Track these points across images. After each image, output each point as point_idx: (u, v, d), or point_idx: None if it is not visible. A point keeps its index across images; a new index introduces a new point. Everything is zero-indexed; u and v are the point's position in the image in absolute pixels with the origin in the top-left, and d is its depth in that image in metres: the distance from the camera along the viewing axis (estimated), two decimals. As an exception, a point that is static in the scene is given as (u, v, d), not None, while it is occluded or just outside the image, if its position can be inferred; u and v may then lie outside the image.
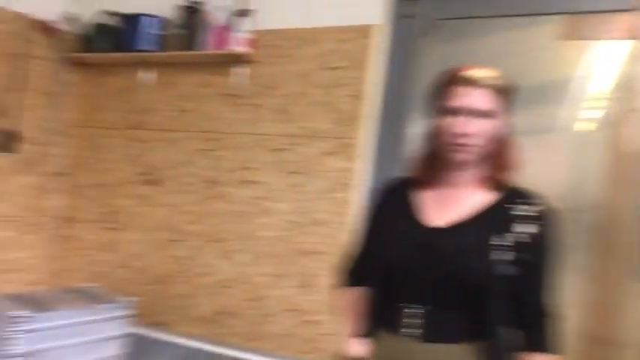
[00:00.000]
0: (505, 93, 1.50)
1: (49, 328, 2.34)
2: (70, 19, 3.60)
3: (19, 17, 3.31)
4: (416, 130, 2.75)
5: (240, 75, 3.16)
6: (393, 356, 1.52)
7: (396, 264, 1.54)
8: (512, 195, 1.53)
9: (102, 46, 3.47)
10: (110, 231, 3.44)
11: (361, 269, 1.73)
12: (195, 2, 3.24)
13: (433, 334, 1.47)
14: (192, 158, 3.24)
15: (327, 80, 2.93)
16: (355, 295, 1.71)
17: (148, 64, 3.42)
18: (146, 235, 3.31)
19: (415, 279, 1.50)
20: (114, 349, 2.54)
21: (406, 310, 1.50)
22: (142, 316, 3.08)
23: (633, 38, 2.36)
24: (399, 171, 2.76)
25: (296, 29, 3.04)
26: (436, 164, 1.57)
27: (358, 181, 2.78)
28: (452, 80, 1.51)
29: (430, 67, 2.78)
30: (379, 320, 1.58)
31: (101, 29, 3.50)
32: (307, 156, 2.93)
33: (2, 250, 3.29)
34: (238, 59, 3.12)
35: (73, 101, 3.68)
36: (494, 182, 1.54)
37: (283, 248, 2.91)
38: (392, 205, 1.66)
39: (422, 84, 2.80)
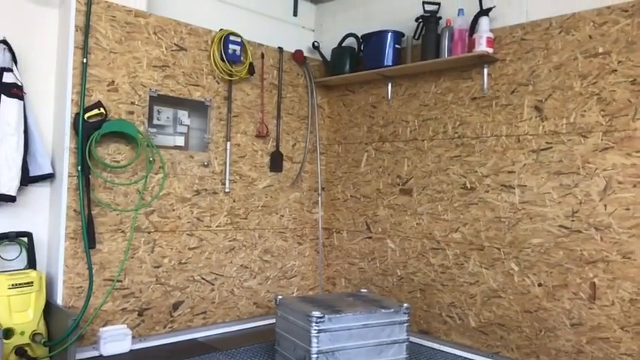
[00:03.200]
0: None
1: (342, 329, 2.59)
2: (315, 47, 3.94)
3: (276, 52, 3.73)
4: None
5: (486, 76, 3.06)
6: None
7: None
8: None
9: (344, 68, 3.70)
10: (371, 240, 3.67)
11: None
12: (431, 11, 3.23)
13: None
14: (443, 166, 3.25)
15: (591, 69, 2.66)
16: None
17: (388, 79, 3.55)
18: (406, 244, 3.44)
19: None
20: (396, 353, 2.68)
21: None
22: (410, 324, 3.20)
23: None
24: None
25: (544, 20, 2.83)
26: None
27: (646, 178, 2.47)
28: None
29: None
30: None
31: (342, 52, 3.74)
32: (574, 154, 2.70)
33: (281, 258, 3.76)
34: (483, 61, 3.03)
35: (323, 121, 4.02)
36: None
37: (559, 256, 2.73)
38: None
39: None
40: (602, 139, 2.61)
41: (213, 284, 3.37)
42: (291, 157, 3.84)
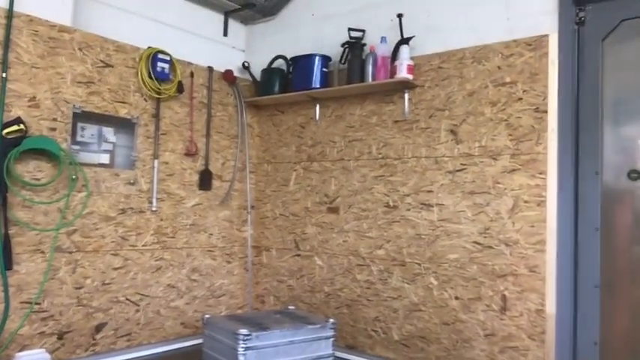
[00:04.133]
0: None
1: (269, 346, 2.62)
2: (246, 67, 4.00)
3: (206, 71, 3.76)
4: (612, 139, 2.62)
5: (407, 101, 3.24)
6: None
7: None
8: None
9: (273, 88, 3.79)
10: (299, 257, 3.73)
11: None
12: (356, 38, 3.39)
13: None
14: (368, 185, 3.39)
15: (500, 97, 2.89)
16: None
17: (316, 100, 3.67)
18: (333, 261, 3.53)
19: None
20: (321, 369, 2.76)
21: None
22: (336, 339, 3.29)
23: None
24: (590, 185, 2.64)
25: (459, 50, 3.05)
26: None
27: (548, 197, 2.70)
28: None
29: (613, 71, 2.64)
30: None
31: (272, 73, 3.82)
32: (485, 175, 2.92)
33: (209, 277, 3.74)
34: (404, 86, 3.21)
35: (253, 141, 4.07)
36: None
37: (473, 271, 2.92)
38: None
39: (607, 90, 2.66)
40: (510, 162, 2.84)
41: (139, 305, 3.30)
42: (220, 176, 3.85)
